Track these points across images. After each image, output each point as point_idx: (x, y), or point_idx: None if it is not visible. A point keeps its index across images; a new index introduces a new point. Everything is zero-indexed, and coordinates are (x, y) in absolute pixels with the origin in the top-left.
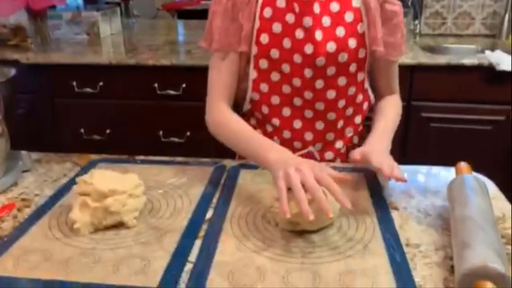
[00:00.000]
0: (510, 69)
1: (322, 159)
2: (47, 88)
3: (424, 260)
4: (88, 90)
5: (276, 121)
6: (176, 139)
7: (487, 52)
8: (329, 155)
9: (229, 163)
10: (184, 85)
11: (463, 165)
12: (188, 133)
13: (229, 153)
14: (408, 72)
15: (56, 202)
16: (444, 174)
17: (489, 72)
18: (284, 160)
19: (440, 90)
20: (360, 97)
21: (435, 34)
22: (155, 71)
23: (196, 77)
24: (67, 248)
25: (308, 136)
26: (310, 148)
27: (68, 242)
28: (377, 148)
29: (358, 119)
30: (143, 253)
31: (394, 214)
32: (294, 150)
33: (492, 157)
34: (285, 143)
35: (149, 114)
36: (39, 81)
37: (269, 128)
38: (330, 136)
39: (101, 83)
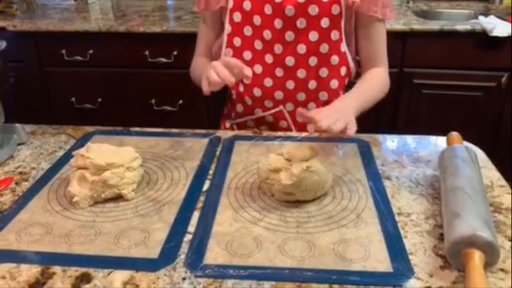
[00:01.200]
0: (503, 35)
1: (294, 121)
2: (35, 57)
3: (415, 228)
4: (78, 58)
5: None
6: (168, 107)
7: (481, 18)
8: (300, 116)
9: (223, 134)
10: (175, 53)
11: (454, 135)
12: (181, 101)
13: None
14: (401, 38)
15: (54, 175)
16: (436, 143)
17: (482, 38)
18: None
19: (433, 56)
20: (335, 58)
21: None
22: (146, 38)
23: (187, 45)
24: (67, 221)
25: (278, 95)
26: (281, 107)
27: (68, 215)
28: (334, 105)
29: (334, 83)
30: (142, 225)
31: (387, 184)
32: (264, 108)
33: (483, 124)
34: (256, 101)
35: (141, 82)
36: (27, 50)
37: (241, 88)
38: (301, 96)
39: (91, 51)
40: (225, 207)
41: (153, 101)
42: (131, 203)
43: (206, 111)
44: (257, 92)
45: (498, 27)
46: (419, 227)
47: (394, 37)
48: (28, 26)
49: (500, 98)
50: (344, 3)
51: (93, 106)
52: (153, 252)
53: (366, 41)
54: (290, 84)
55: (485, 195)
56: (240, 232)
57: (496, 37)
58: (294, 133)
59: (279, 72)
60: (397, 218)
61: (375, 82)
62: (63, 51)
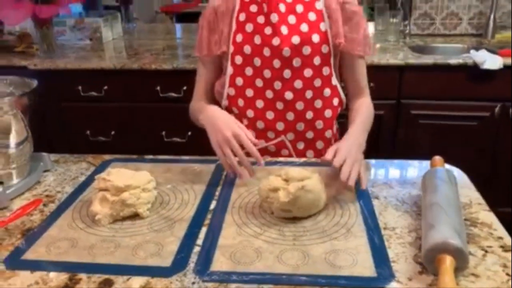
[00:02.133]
0: (494, 68)
1: (294, 149)
2: (54, 93)
3: (399, 240)
4: (93, 93)
5: (250, 113)
6: (178, 139)
7: (472, 52)
8: (300, 144)
9: None
10: (185, 88)
11: (437, 158)
12: (190, 133)
13: None
14: (398, 72)
15: (77, 197)
16: (421, 167)
17: (474, 71)
18: (212, 124)
19: (428, 88)
20: (327, 91)
21: (424, 34)
22: (157, 75)
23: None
24: (90, 236)
25: (280, 126)
26: (283, 137)
27: (91, 232)
28: (347, 143)
29: (328, 113)
30: (156, 239)
31: (375, 203)
32: (267, 139)
33: (479, 151)
34: (259, 133)
35: (152, 115)
36: (46, 86)
37: (245, 121)
38: (300, 126)
39: (105, 87)
40: (229, 224)
41: (163, 133)
42: (146, 220)
43: None
44: (260, 124)
45: (488, 61)
46: (402, 239)
47: (391, 71)
48: (48, 65)
49: (494, 126)
50: (332, 43)
51: (106, 139)
52: (166, 261)
53: (351, 75)
54: (290, 116)
55: (460, 210)
56: (243, 244)
57: (488, 70)
58: (293, 159)
59: (279, 106)
60: (383, 232)
61: (369, 112)
62: (80, 87)
